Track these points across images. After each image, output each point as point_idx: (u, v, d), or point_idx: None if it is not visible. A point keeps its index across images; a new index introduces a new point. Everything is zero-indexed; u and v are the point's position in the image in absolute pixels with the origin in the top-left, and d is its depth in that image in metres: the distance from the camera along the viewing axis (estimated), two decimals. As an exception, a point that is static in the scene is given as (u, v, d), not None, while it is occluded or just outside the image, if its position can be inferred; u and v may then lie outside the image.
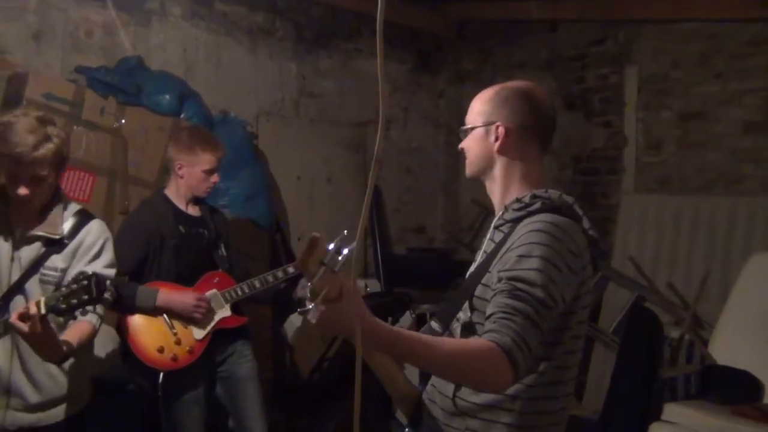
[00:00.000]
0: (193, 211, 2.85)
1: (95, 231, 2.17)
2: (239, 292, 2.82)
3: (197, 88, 3.86)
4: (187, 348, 2.67)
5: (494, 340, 1.29)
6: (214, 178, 2.80)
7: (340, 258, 1.21)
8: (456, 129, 1.72)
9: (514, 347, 1.28)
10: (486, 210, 4.66)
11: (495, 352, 1.28)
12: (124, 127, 3.37)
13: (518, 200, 1.53)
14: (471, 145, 1.62)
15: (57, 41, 3.57)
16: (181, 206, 2.81)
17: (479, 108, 1.60)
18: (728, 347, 3.29)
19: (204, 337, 2.73)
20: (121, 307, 2.62)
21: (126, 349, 2.68)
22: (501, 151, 1.57)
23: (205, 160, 2.74)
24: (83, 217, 2.18)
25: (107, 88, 3.39)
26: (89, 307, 1.87)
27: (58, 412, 2.16)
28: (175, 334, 2.66)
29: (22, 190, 2.00)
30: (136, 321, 2.66)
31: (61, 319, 1.92)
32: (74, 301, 1.80)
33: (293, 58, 4.57)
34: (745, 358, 3.13)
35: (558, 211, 1.48)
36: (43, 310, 1.81)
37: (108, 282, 2.01)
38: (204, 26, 4.14)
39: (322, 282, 1.19)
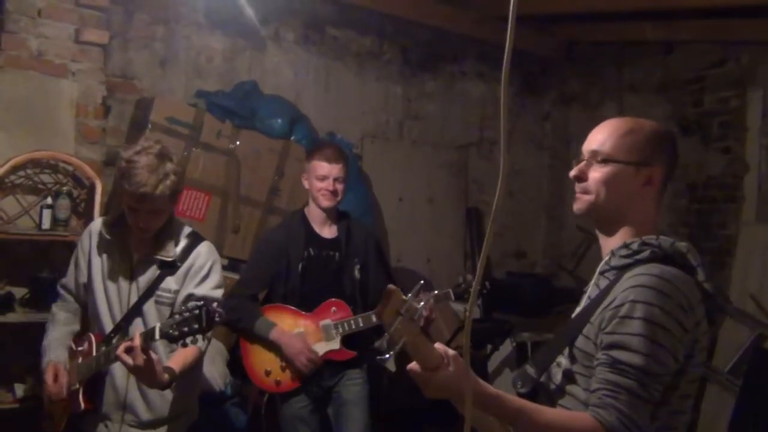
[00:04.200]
0: (329, 232, 2.83)
1: (204, 254, 2.25)
2: (352, 326, 2.75)
3: (306, 111, 3.99)
4: (292, 375, 2.72)
5: (599, 419, 1.27)
6: (328, 184, 2.74)
7: (420, 305, 1.23)
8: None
9: (620, 428, 1.26)
10: (591, 236, 4.51)
11: (598, 430, 1.26)
12: (237, 149, 3.52)
13: (626, 246, 1.42)
14: (607, 180, 1.43)
15: (180, 67, 3.79)
16: (316, 226, 2.81)
17: (631, 143, 1.44)
18: None
19: None
20: (241, 328, 2.71)
21: (237, 364, 2.75)
22: (642, 196, 1.45)
23: (318, 166, 2.73)
24: (194, 240, 2.27)
25: (224, 111, 3.56)
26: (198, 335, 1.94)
27: (166, 431, 2.25)
28: (282, 359, 2.72)
29: (142, 222, 2.12)
30: (251, 342, 2.74)
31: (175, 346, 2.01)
32: (185, 329, 1.87)
33: (399, 81, 4.62)
34: None
35: (669, 261, 1.38)
36: (157, 336, 1.90)
37: (215, 304, 2.10)
38: (315, 50, 4.26)
39: (399, 332, 1.21)
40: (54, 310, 2.34)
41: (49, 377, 2.15)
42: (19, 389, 2.88)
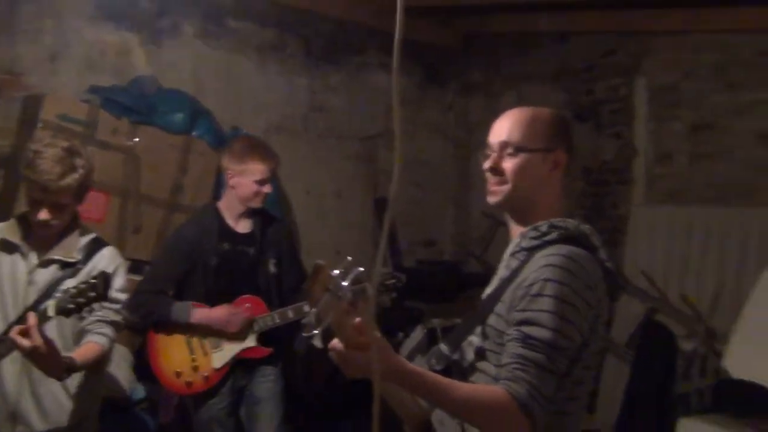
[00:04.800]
0: (243, 226, 2.79)
1: (108, 256, 2.22)
2: (268, 322, 2.73)
3: (208, 105, 3.90)
4: (204, 375, 2.66)
5: (510, 391, 1.32)
6: (267, 188, 2.73)
7: (345, 284, 1.24)
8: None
9: (529, 400, 1.31)
10: (497, 221, 4.67)
11: (510, 405, 1.31)
12: (136, 146, 3.41)
13: (535, 228, 1.51)
14: (521, 169, 1.50)
15: (72, 62, 3.62)
16: (231, 221, 2.76)
17: (537, 130, 1.51)
18: (742, 360, 3.27)
19: (222, 367, 2.69)
20: (154, 321, 2.63)
21: (143, 368, 2.69)
22: (550, 180, 1.53)
23: (257, 169, 2.69)
24: (97, 244, 2.23)
25: (120, 108, 3.43)
26: (101, 313, 1.96)
27: None
28: (194, 360, 2.66)
29: (43, 215, 2.06)
30: (158, 342, 2.67)
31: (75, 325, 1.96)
32: (82, 299, 1.85)
33: (302, 73, 4.59)
34: (760, 371, 3.11)
35: (574, 242, 1.47)
36: (52, 313, 1.85)
37: (119, 306, 2.06)
38: (215, 44, 4.17)
39: (327, 308, 1.23)
40: None
41: None
42: None
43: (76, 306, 1.85)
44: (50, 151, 2.05)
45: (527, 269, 1.45)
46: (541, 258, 1.44)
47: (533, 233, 1.50)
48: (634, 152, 4.55)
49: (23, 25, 3.45)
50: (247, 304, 2.74)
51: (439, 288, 4.41)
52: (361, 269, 1.26)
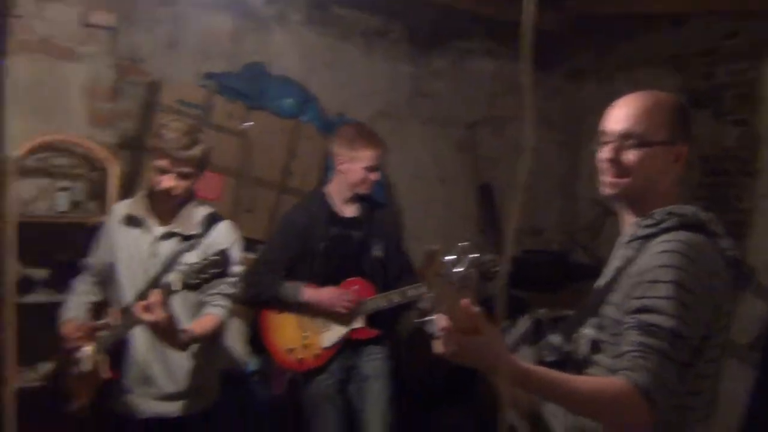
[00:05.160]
0: (350, 211, 2.83)
1: (224, 231, 2.31)
2: (375, 305, 2.76)
3: (314, 91, 3.97)
4: (315, 353, 2.71)
5: (631, 381, 1.26)
6: (375, 175, 2.76)
7: (458, 270, 1.21)
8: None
9: (651, 387, 1.25)
10: (606, 210, 4.50)
11: (632, 395, 1.25)
12: (249, 130, 3.51)
13: (651, 216, 1.44)
14: (644, 163, 1.43)
15: (188, 49, 3.76)
16: (338, 205, 2.80)
17: (661, 121, 1.44)
18: None
19: (332, 346, 2.74)
20: (264, 300, 2.71)
21: (257, 342, 2.76)
22: (669, 171, 1.46)
23: (366, 156, 2.72)
24: (214, 218, 2.33)
25: (234, 93, 3.54)
26: (219, 287, 2.05)
27: (189, 405, 2.29)
28: (305, 338, 2.72)
29: (169, 182, 2.18)
30: (271, 320, 2.74)
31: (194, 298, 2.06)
32: (205, 275, 1.93)
33: (407, 60, 4.59)
34: None
35: (693, 229, 1.39)
36: (178, 287, 1.94)
37: (235, 279, 2.13)
38: (321, 31, 4.23)
39: (441, 294, 1.20)
40: (74, 285, 2.40)
41: (67, 330, 2.22)
42: (43, 368, 2.92)
43: (200, 281, 1.94)
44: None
45: (643, 257, 1.40)
46: (657, 245, 1.38)
47: (649, 221, 1.45)
48: (761, 140, 4.25)
49: (143, 15, 3.61)
50: (355, 287, 2.78)
51: (544, 278, 4.30)
52: (476, 255, 1.23)
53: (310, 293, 2.67)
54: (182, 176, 2.20)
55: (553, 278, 4.24)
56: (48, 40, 3.08)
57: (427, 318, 1.23)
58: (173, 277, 1.97)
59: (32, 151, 3.00)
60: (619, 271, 1.44)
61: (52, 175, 3.10)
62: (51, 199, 3.06)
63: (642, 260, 1.39)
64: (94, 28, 3.18)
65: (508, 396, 1.55)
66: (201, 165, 2.24)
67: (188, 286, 1.95)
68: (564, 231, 5.25)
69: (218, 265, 1.93)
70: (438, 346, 1.23)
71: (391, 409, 2.83)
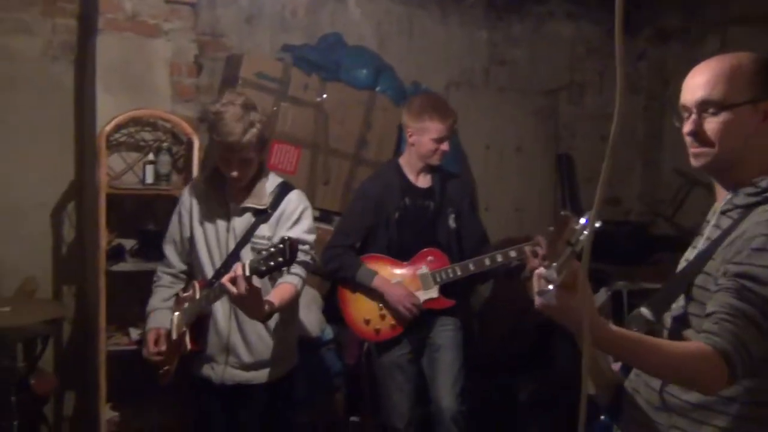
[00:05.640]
0: (423, 181, 2.84)
1: (295, 200, 2.35)
2: (450, 275, 2.76)
3: (390, 60, 3.95)
4: (391, 323, 2.76)
5: (712, 344, 1.22)
6: (444, 146, 2.76)
7: (582, 235, 1.15)
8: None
9: (732, 352, 1.21)
10: (690, 180, 4.30)
11: (712, 357, 1.21)
12: (325, 102, 3.54)
13: (753, 184, 1.37)
14: (727, 129, 1.35)
15: (266, 22, 3.83)
16: (411, 176, 2.83)
17: (741, 81, 1.35)
18: None
19: None
20: (341, 277, 2.77)
21: (332, 311, 2.83)
22: (760, 132, 1.36)
23: (435, 128, 2.72)
24: (284, 189, 2.38)
25: (310, 65, 3.58)
26: (285, 269, 2.04)
27: (267, 373, 2.37)
28: (382, 308, 2.77)
29: (233, 171, 2.23)
30: (348, 291, 2.81)
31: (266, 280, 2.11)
32: (272, 263, 1.96)
33: (484, 26, 4.50)
34: None
35: None
36: (247, 272, 1.99)
37: (308, 246, 2.17)
38: (397, -1, 4.20)
39: (565, 263, 1.14)
40: (159, 273, 2.50)
41: (150, 342, 2.34)
42: (134, 332, 3.09)
43: (267, 269, 1.98)
44: (229, 111, 2.18)
45: (745, 224, 1.33)
46: (763, 212, 1.32)
47: (751, 189, 1.37)
48: None
49: (222, -10, 3.70)
50: (429, 257, 2.80)
51: (623, 250, 4.17)
52: (600, 224, 1.15)
53: (379, 282, 2.72)
54: (245, 162, 2.24)
55: (633, 250, 4.11)
56: (135, 18, 3.19)
57: (547, 288, 1.14)
58: (246, 263, 2.02)
59: (121, 126, 3.14)
60: (716, 242, 1.38)
61: (140, 149, 3.25)
62: (138, 172, 3.21)
63: (744, 227, 1.33)
64: (177, 4, 3.27)
65: (589, 363, 1.55)
66: (260, 145, 2.27)
67: (257, 272, 1.99)
68: (644, 201, 5.07)
69: (283, 254, 1.95)
70: (542, 301, 1.18)
71: (462, 379, 2.86)
